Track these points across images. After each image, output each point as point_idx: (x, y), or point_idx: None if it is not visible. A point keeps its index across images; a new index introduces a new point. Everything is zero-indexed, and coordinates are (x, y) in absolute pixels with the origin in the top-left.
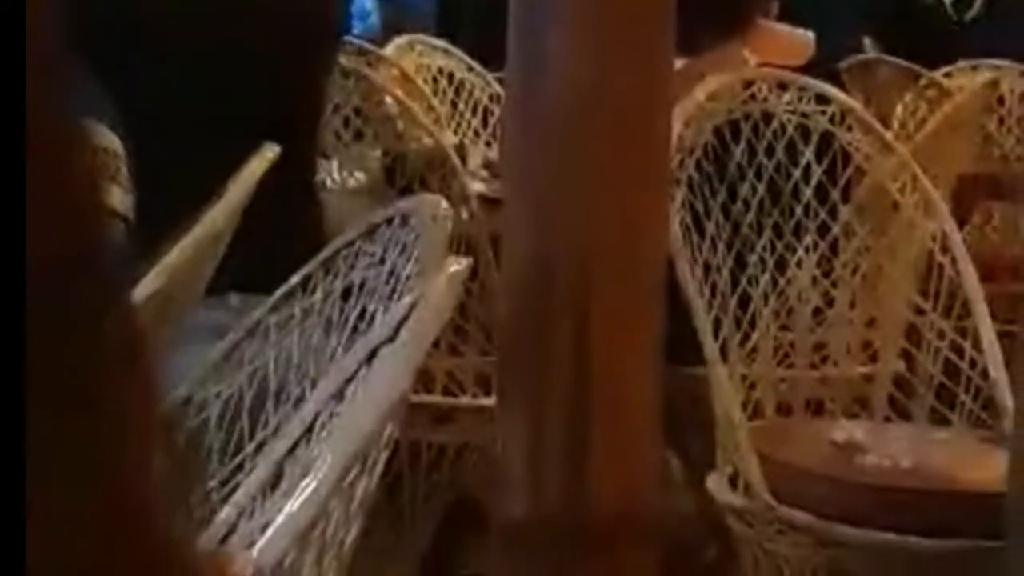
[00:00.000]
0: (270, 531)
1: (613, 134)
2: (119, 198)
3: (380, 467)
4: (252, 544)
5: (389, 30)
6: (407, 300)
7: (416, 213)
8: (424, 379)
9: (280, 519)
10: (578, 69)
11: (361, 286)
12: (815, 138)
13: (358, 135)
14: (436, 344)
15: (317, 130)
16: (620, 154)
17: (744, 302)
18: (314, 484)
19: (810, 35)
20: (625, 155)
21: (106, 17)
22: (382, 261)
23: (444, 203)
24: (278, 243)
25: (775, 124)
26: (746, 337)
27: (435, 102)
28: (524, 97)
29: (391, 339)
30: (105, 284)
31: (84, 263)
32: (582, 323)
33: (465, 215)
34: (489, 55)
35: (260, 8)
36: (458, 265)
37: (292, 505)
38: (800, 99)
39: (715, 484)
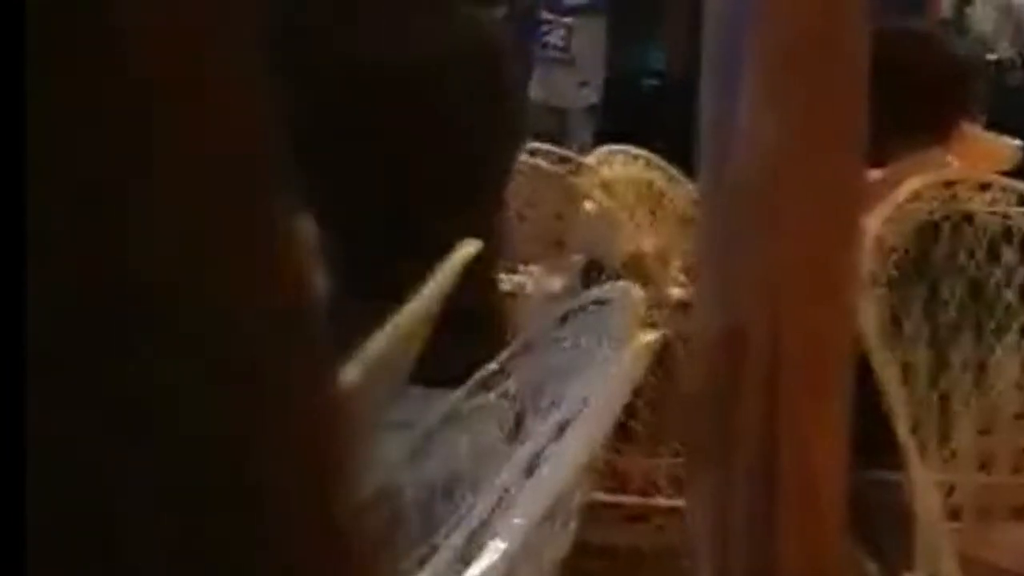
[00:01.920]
0: None
1: (804, 213)
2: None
3: (571, 533)
4: None
5: (594, 139)
6: (597, 372)
7: (610, 300)
8: (620, 480)
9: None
10: (769, 150)
11: (555, 371)
12: (1017, 239)
13: (558, 241)
14: (632, 443)
15: (499, 226)
16: (811, 232)
17: (944, 404)
18: (504, 544)
19: (1016, 143)
20: (816, 234)
21: (305, 112)
22: (576, 346)
23: (637, 289)
24: (461, 337)
25: (976, 225)
26: (945, 440)
27: (636, 209)
28: (716, 176)
29: (580, 410)
30: (317, 367)
31: (298, 349)
32: (770, 400)
33: (662, 320)
34: (690, 165)
35: (445, 106)
36: (648, 336)
37: (482, 564)
38: (1002, 200)
39: None
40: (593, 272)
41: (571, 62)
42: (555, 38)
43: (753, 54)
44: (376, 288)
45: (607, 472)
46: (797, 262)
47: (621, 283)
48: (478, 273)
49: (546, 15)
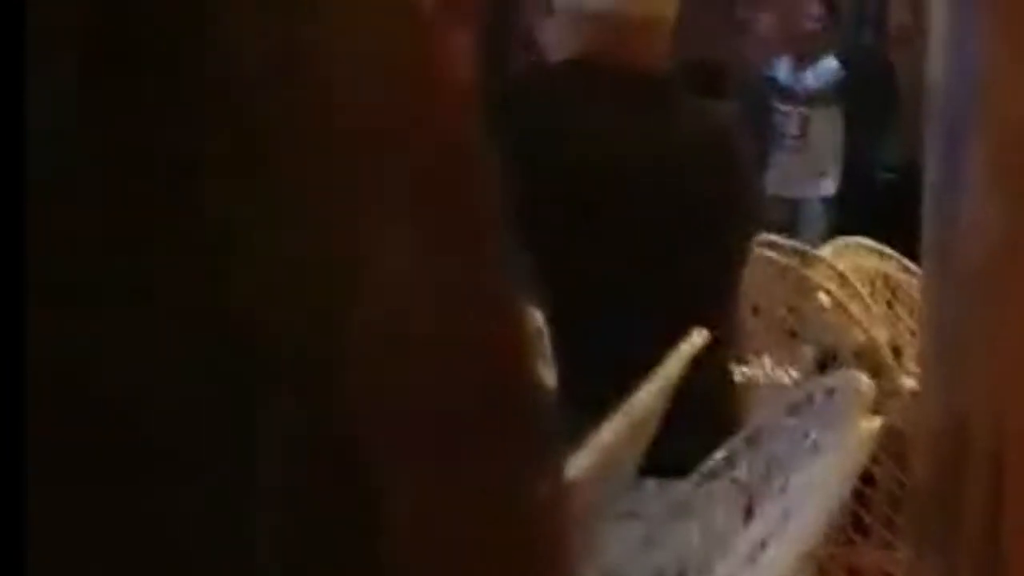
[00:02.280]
0: None
1: None
2: (544, 372)
3: None
4: None
5: (828, 231)
6: (821, 460)
7: (838, 388)
8: (855, 573)
9: None
10: (995, 236)
11: (782, 459)
12: None
13: (792, 333)
14: (866, 536)
15: (732, 317)
16: None
17: None
18: None
19: None
20: None
21: (543, 208)
22: (805, 435)
23: (864, 377)
24: (691, 427)
25: None
26: None
27: (869, 301)
28: (940, 263)
29: (804, 498)
30: (540, 461)
31: (522, 437)
32: (995, 479)
33: (896, 410)
34: None
35: (679, 198)
36: (871, 423)
37: None
38: None
39: None
40: (826, 363)
41: (806, 152)
42: (791, 128)
43: (978, 139)
44: (607, 377)
45: (842, 565)
46: (1021, 335)
47: (849, 372)
48: (709, 363)
49: (780, 105)
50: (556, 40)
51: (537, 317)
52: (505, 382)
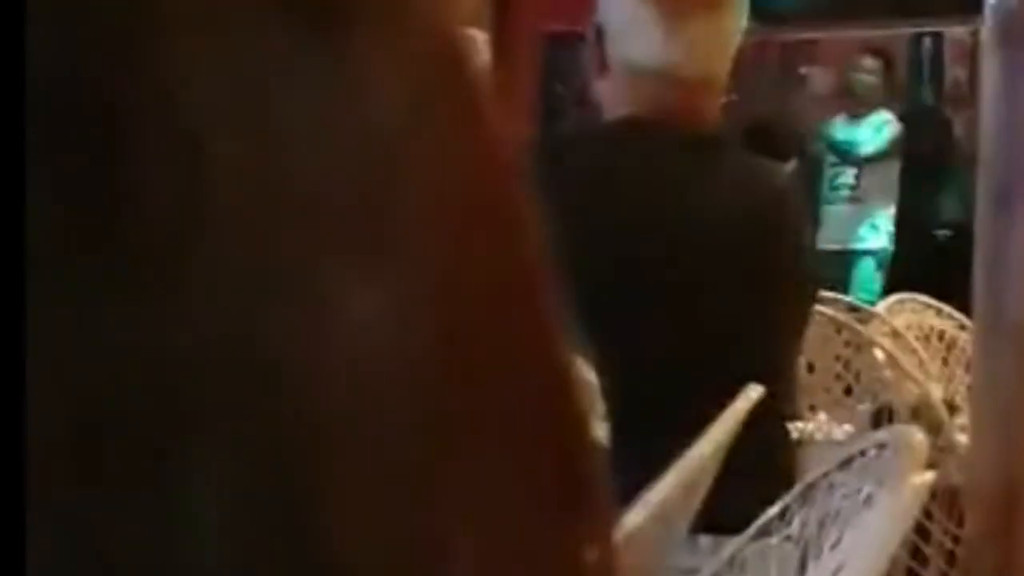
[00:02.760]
0: None
1: None
2: (597, 427)
3: None
4: None
5: (885, 288)
6: (874, 516)
7: (891, 443)
8: None
9: None
10: None
11: (835, 515)
12: None
13: (847, 389)
14: None
15: (788, 373)
16: None
17: None
18: None
19: None
20: None
21: (604, 264)
22: (858, 491)
23: (919, 433)
24: (749, 483)
25: None
26: None
27: (925, 357)
28: (990, 317)
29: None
30: (592, 520)
31: (579, 497)
32: None
33: (951, 466)
34: None
35: (737, 256)
36: (922, 478)
37: None
38: None
39: None
40: (881, 420)
41: (862, 206)
42: (846, 182)
43: None
44: (662, 432)
45: None
46: None
47: (902, 427)
48: (764, 419)
49: (836, 159)
50: (610, 98)
51: (589, 372)
52: (557, 438)
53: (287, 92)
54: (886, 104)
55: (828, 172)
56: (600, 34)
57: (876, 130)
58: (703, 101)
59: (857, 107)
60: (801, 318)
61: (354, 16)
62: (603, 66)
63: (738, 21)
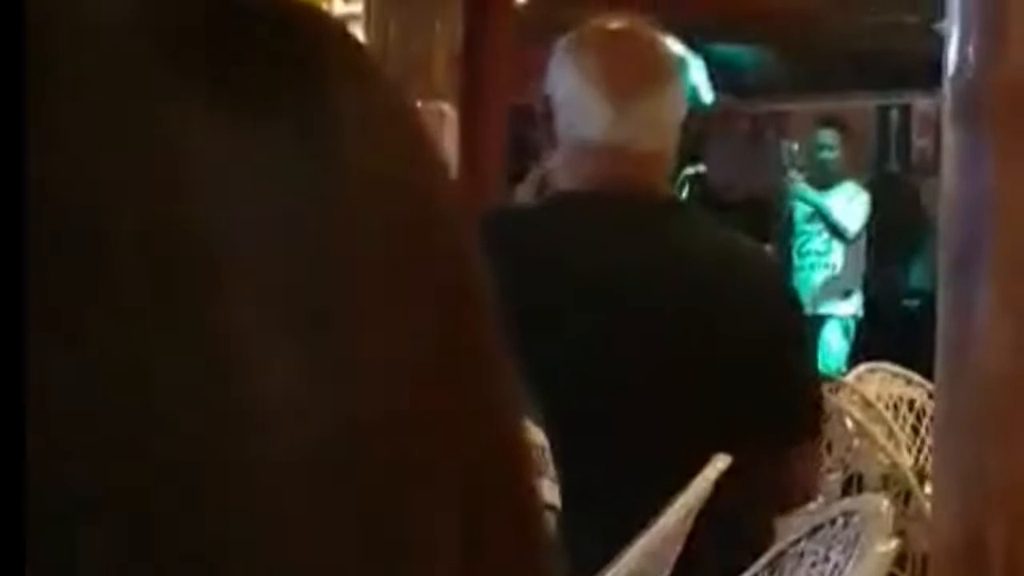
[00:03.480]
0: None
1: None
2: (548, 490)
3: None
4: None
5: (855, 358)
6: None
7: (860, 512)
8: None
9: None
10: (1006, 356)
11: None
12: None
13: None
14: None
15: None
16: None
17: None
18: None
19: None
20: None
21: (529, 312)
22: (826, 559)
23: (887, 501)
24: (718, 551)
25: None
26: None
27: (894, 426)
28: (953, 382)
29: None
30: None
31: (531, 560)
32: None
33: (922, 534)
34: None
35: (681, 307)
36: (887, 545)
37: None
38: None
39: None
40: (851, 488)
41: (831, 274)
42: (814, 245)
43: (987, 264)
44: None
45: None
46: None
47: (870, 495)
48: (733, 487)
49: (806, 227)
50: (560, 171)
51: (539, 434)
52: (505, 507)
53: (215, 172)
54: (850, 175)
55: (798, 239)
56: (549, 108)
57: (849, 200)
58: (652, 173)
59: (824, 177)
60: (768, 378)
61: (281, 105)
62: (552, 140)
63: (683, 97)
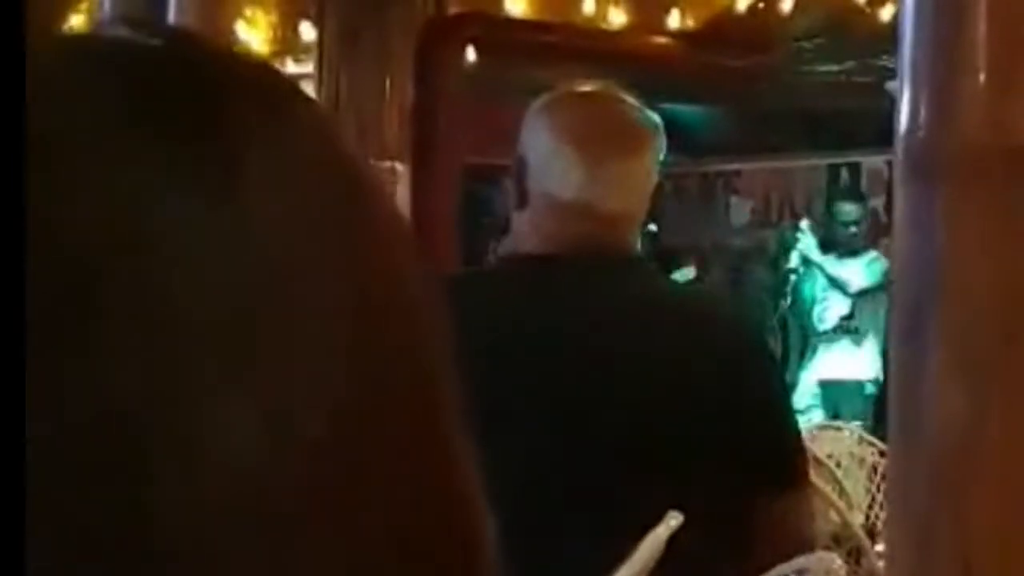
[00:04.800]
0: None
1: (995, 483)
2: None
3: None
4: None
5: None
6: None
7: (812, 569)
8: None
9: None
10: (955, 408)
11: None
12: None
13: None
14: None
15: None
16: (1002, 501)
17: None
18: None
19: None
20: (1008, 503)
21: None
22: None
23: (839, 560)
24: None
25: None
26: None
27: (846, 484)
28: (906, 445)
29: None
30: None
31: None
32: None
33: None
34: None
35: (641, 359)
36: None
37: None
38: None
39: None
40: None
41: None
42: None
43: (940, 324)
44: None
45: None
46: (988, 532)
47: (822, 553)
48: (683, 546)
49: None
50: (527, 230)
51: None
52: (452, 555)
53: (172, 225)
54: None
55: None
56: (521, 168)
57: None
58: (618, 232)
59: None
60: (726, 441)
61: (237, 163)
62: (522, 199)
63: (656, 161)
